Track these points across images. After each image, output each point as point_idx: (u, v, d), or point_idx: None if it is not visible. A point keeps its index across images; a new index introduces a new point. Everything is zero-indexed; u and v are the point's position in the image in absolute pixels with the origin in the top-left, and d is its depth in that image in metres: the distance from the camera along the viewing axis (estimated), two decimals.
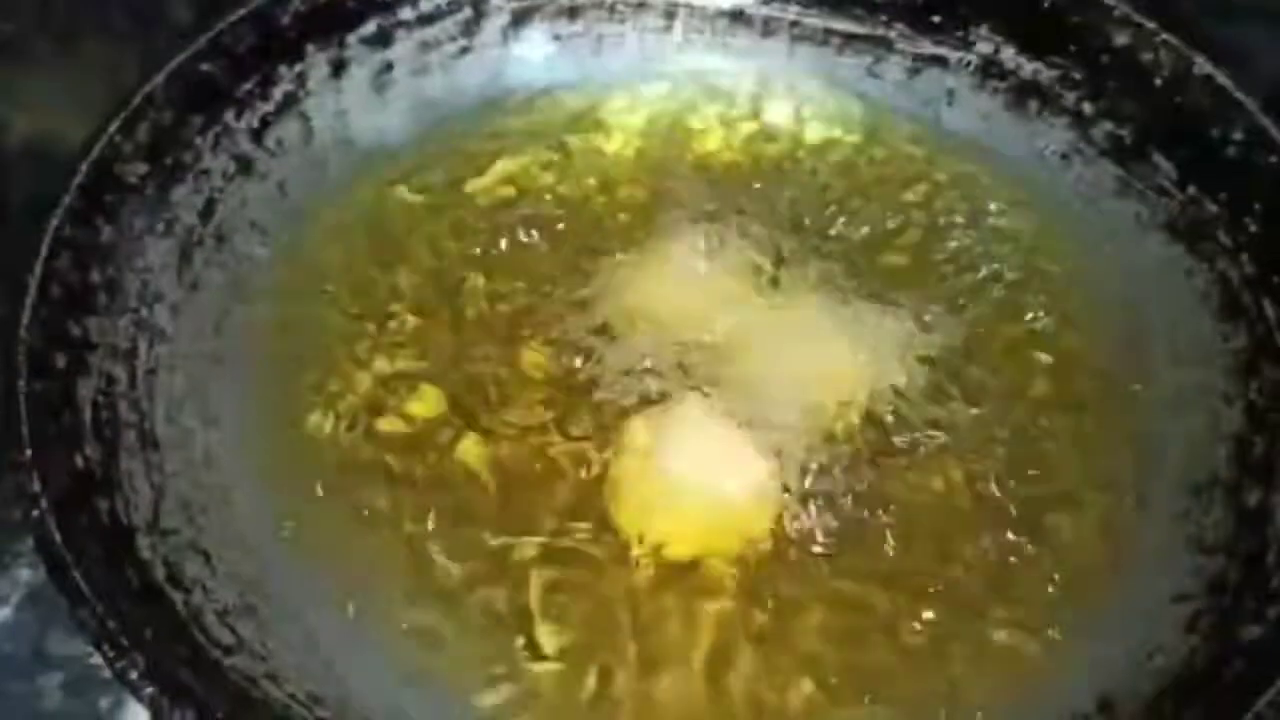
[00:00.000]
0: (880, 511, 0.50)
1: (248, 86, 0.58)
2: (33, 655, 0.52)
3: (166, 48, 0.57)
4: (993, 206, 0.60)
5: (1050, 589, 0.48)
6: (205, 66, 0.57)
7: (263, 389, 0.54)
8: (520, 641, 0.47)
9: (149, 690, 0.40)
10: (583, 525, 0.50)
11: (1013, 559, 0.49)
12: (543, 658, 0.47)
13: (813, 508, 0.50)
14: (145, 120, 0.54)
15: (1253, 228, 0.54)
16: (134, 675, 0.40)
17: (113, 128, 0.53)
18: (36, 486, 0.43)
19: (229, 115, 0.58)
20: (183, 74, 0.56)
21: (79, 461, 0.46)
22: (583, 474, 0.51)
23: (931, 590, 0.48)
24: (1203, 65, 0.56)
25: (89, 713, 0.50)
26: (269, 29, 0.59)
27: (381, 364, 0.55)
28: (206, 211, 0.56)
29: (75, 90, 0.70)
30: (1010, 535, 0.50)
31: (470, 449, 0.52)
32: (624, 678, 0.47)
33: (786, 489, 0.50)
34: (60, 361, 0.48)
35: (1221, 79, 0.56)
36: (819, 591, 0.48)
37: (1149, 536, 0.49)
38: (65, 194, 0.51)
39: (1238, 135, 0.55)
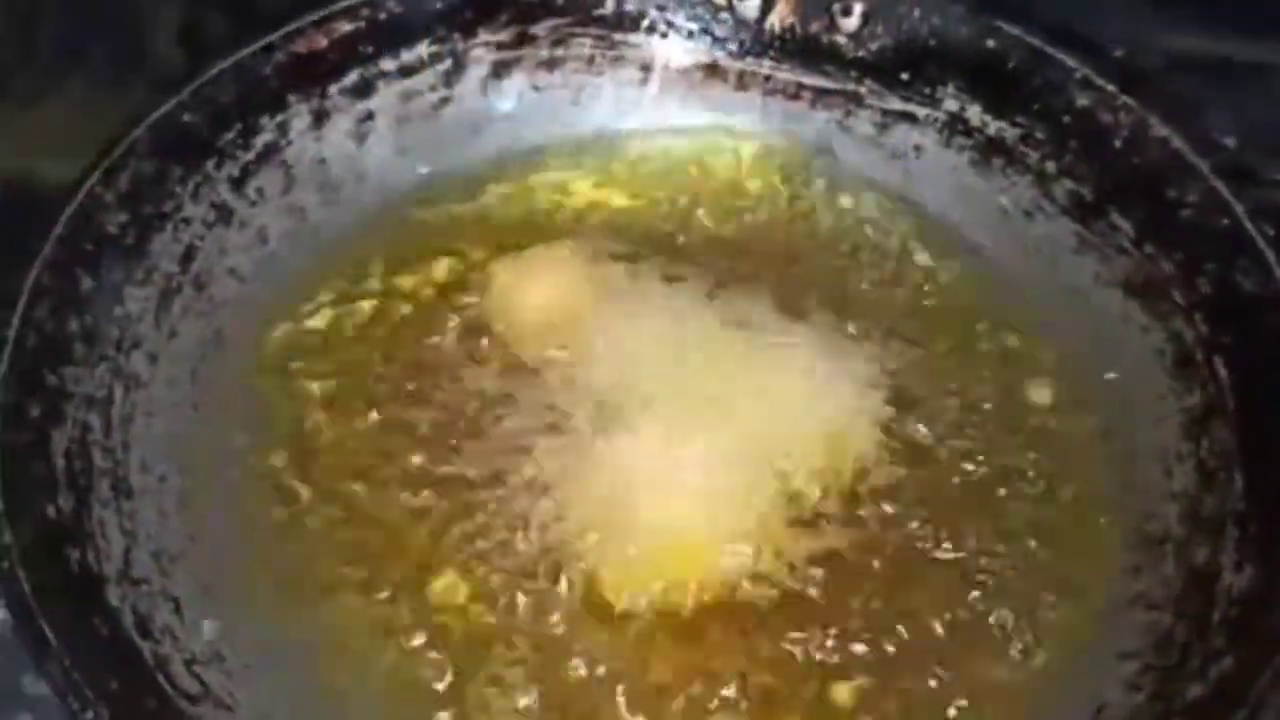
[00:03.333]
0: (826, 567, 0.50)
1: (229, 136, 0.59)
2: (6, 693, 0.52)
3: (149, 89, 0.58)
4: (955, 260, 0.61)
5: (997, 645, 0.49)
6: (187, 117, 0.58)
7: (239, 437, 0.54)
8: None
9: None
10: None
11: (959, 615, 0.49)
12: None
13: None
14: (126, 170, 0.55)
15: (1205, 288, 0.55)
16: None
17: (93, 178, 0.54)
18: (8, 538, 0.44)
19: (210, 165, 0.59)
20: (164, 124, 0.57)
21: (51, 512, 0.47)
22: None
23: (879, 647, 0.49)
24: (1159, 128, 0.58)
25: None
26: (250, 80, 0.60)
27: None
28: (186, 259, 0.57)
29: (58, 129, 0.70)
30: (958, 592, 0.50)
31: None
32: None
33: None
34: (35, 411, 0.49)
35: (1177, 142, 0.57)
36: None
37: (1098, 593, 0.50)
38: (45, 244, 0.52)
39: (1192, 197, 0.56)
